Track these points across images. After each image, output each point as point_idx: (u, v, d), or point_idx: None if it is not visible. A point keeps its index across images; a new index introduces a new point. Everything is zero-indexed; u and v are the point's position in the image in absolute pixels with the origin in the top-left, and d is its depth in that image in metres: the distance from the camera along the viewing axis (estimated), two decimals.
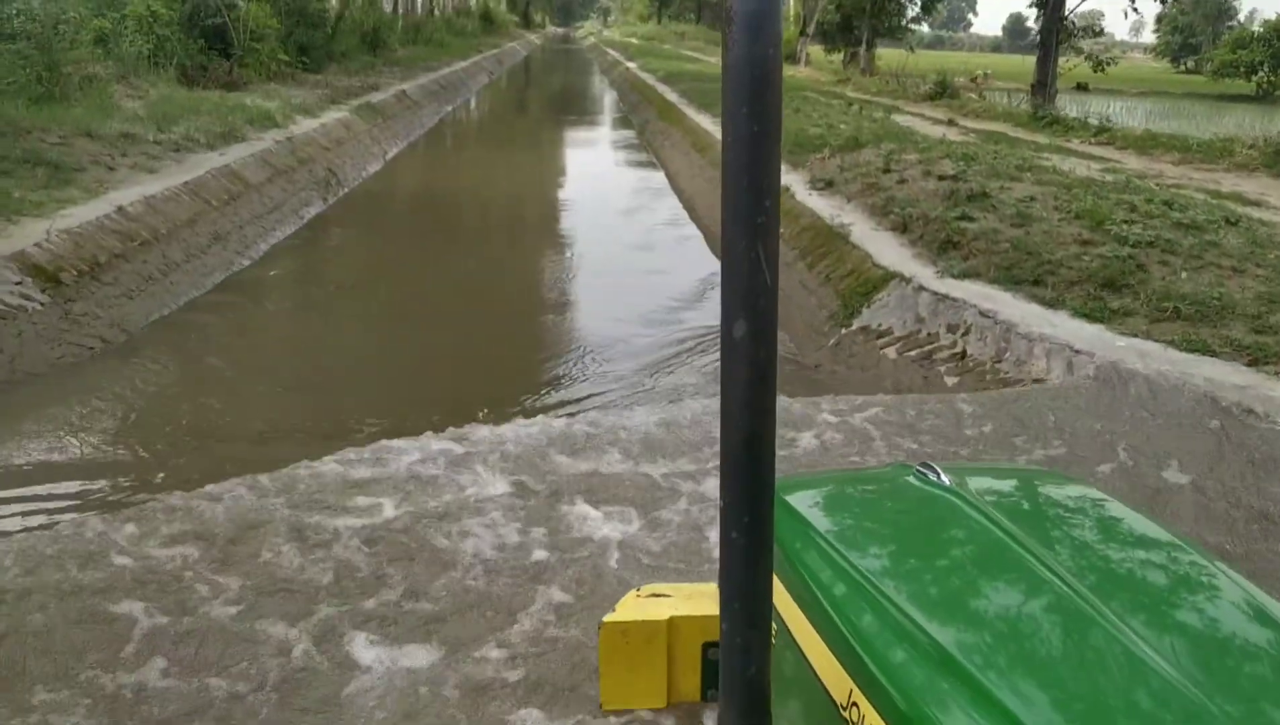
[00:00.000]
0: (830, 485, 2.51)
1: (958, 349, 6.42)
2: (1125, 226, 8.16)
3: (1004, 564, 1.88)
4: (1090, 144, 16.18)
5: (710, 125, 17.40)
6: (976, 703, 1.50)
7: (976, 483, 2.24)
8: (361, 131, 17.10)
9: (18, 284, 6.91)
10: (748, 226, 1.11)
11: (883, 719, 1.58)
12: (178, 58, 16.02)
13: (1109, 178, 11.12)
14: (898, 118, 18.21)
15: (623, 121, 27.20)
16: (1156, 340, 6.09)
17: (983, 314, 6.53)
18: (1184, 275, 7.15)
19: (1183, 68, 70.26)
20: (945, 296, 6.91)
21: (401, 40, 31.66)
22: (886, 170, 10.93)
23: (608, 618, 3.16)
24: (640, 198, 15.62)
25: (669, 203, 14.94)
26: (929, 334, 6.72)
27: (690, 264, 10.66)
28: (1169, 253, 7.63)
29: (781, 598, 2.01)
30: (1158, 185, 10.98)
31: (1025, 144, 15.16)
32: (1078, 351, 5.87)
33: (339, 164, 14.68)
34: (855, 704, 1.65)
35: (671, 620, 3.09)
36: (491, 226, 13.49)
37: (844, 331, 7.40)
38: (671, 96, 24.46)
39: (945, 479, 2.19)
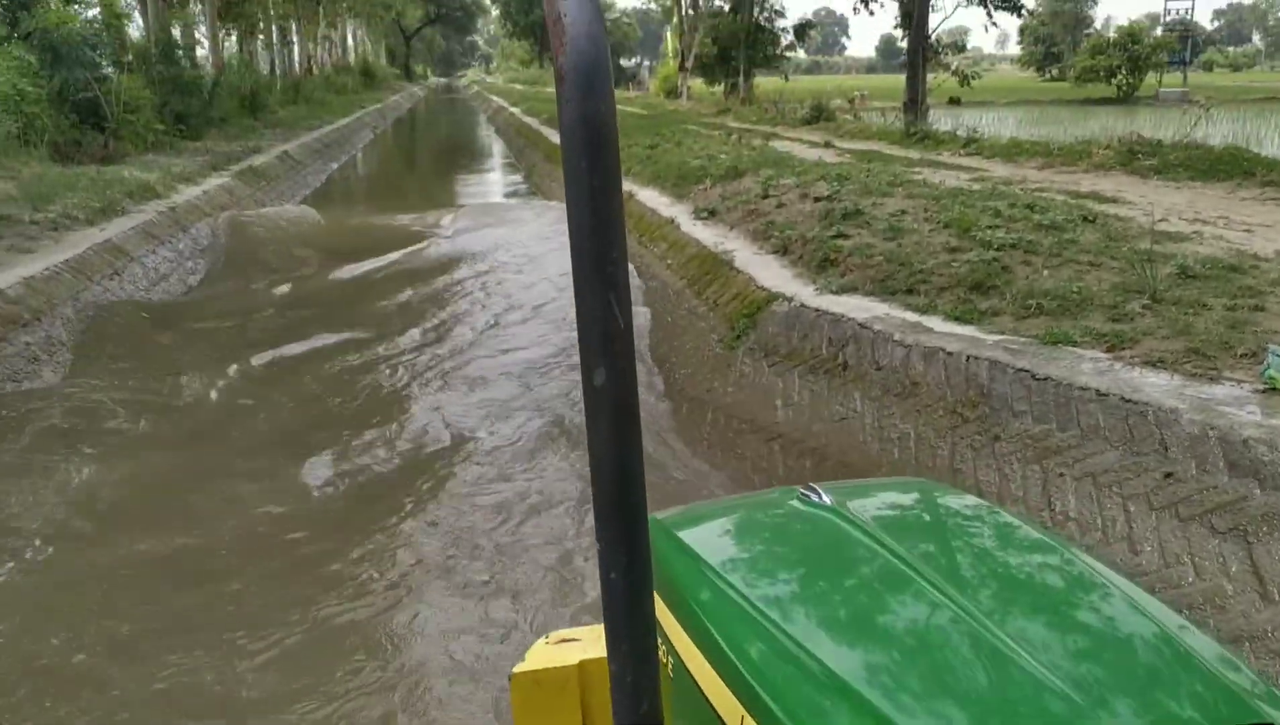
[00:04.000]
0: (718, 515, 2.58)
1: (839, 361, 6.68)
2: (990, 231, 8.54)
3: (885, 579, 1.95)
4: (960, 155, 16.78)
5: None
6: (861, 717, 1.55)
7: (857, 500, 2.31)
8: (245, 196, 16.95)
9: None
10: (600, 277, 1.13)
11: None
12: (49, 135, 15.67)
13: (976, 187, 11.57)
14: (776, 144, 18.65)
15: (510, 167, 27.38)
16: (1023, 336, 6.41)
17: (860, 326, 6.81)
18: (1045, 273, 7.53)
19: (1048, 76, 73.30)
20: (824, 312, 7.18)
21: (281, 101, 31.41)
22: (765, 196, 11.26)
23: (518, 668, 3.12)
24: None
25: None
26: (812, 349, 6.98)
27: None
28: (1031, 253, 8.01)
29: (675, 631, 2.07)
30: (1021, 190, 11.45)
31: (898, 160, 15.67)
32: (950, 353, 6.17)
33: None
34: None
35: (581, 664, 3.08)
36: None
37: (733, 353, 7.62)
38: (556, 139, 24.72)
39: (826, 499, 2.26)
